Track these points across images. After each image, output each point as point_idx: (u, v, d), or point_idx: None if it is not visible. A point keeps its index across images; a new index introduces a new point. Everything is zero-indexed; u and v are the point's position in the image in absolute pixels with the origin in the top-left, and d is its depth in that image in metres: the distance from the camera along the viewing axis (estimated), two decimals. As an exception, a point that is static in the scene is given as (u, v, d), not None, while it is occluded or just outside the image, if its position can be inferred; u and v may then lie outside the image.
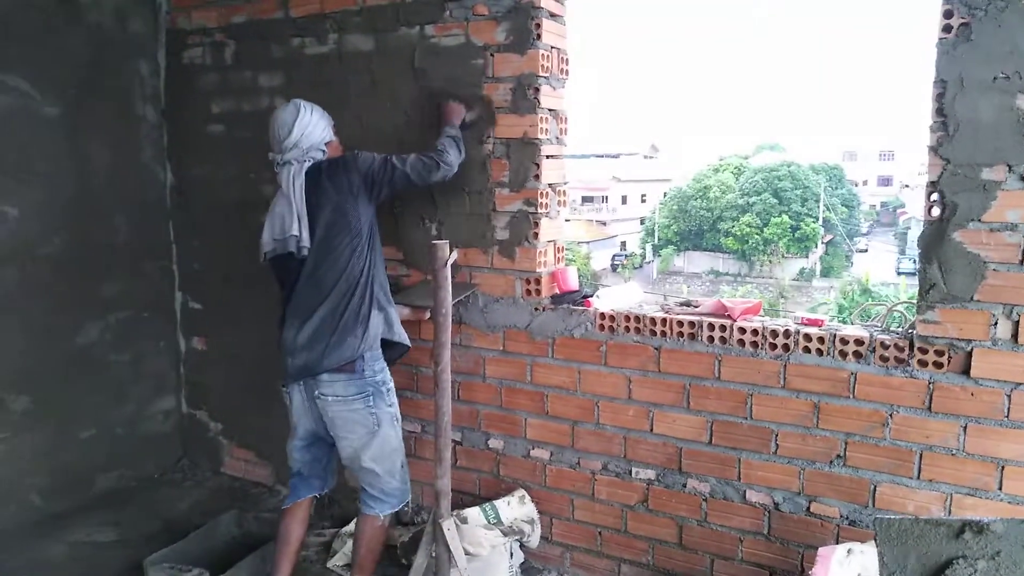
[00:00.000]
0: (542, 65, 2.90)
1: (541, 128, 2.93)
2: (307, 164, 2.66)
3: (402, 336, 2.77)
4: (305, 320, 2.62)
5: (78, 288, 3.68)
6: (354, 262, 2.62)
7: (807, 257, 42.38)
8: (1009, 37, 2.16)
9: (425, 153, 2.79)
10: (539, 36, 2.87)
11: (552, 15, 2.94)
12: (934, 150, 2.30)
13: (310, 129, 2.68)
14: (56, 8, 3.50)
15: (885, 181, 61.67)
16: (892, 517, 1.71)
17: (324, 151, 2.73)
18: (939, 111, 2.28)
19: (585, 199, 49.03)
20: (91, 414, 3.79)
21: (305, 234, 2.60)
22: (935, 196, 2.32)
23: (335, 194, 2.62)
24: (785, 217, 40.77)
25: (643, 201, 51.80)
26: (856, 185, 53.09)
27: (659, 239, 45.64)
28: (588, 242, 42.94)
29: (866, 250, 47.52)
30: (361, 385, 2.60)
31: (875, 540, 1.70)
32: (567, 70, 3.06)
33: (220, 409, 4.11)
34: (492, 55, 2.96)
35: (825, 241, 43.61)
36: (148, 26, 3.88)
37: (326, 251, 2.61)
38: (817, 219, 41.48)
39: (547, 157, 2.98)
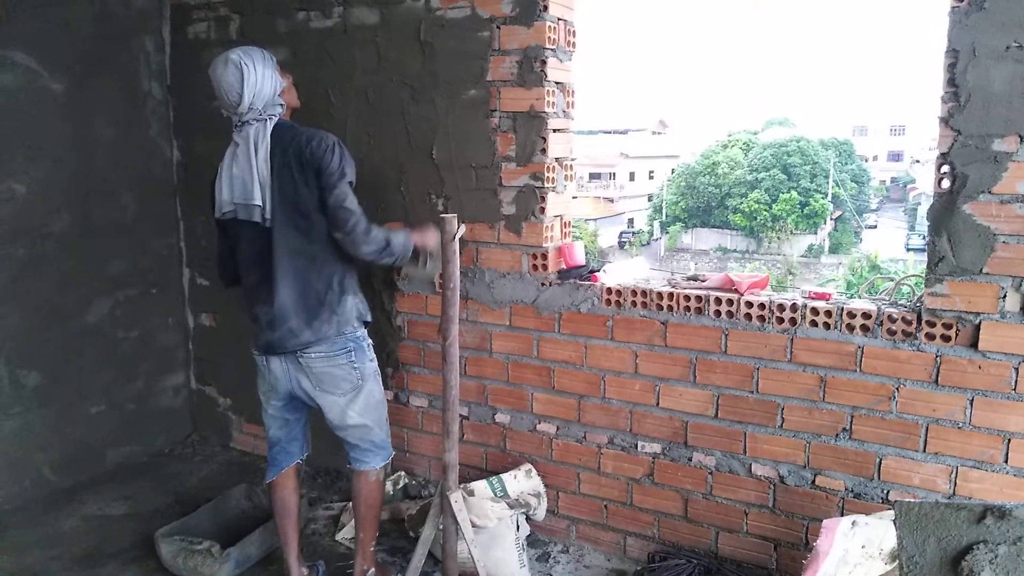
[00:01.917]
0: (549, 37, 2.87)
1: (548, 101, 2.91)
2: (270, 123, 2.50)
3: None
4: (267, 298, 2.54)
5: (86, 265, 3.69)
6: (317, 247, 2.53)
7: (816, 233, 42.16)
8: (1022, 5, 2.13)
9: (379, 228, 2.61)
10: (546, 7, 2.84)
11: (558, -14, 2.90)
12: (945, 121, 2.28)
13: (259, 86, 2.48)
14: (60, -17, 3.48)
15: (895, 156, 61.10)
16: (912, 501, 1.69)
17: (282, 103, 2.56)
18: (951, 81, 2.25)
19: (592, 176, 48.84)
20: (101, 390, 3.82)
21: (268, 205, 2.48)
22: (945, 168, 2.30)
23: (300, 175, 2.47)
24: (794, 193, 40.49)
25: (651, 178, 51.56)
26: (866, 160, 52.64)
27: (667, 216, 45.47)
28: (595, 219, 42.83)
29: (875, 226, 47.23)
30: (343, 342, 2.59)
31: (895, 524, 1.69)
32: (574, 42, 3.03)
33: (229, 385, 4.14)
34: (498, 27, 2.93)
35: (834, 217, 43.35)
36: (152, 1, 3.86)
37: (288, 228, 2.50)
38: (826, 195, 41.20)
39: (554, 131, 2.96)
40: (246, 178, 2.50)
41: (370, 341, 2.73)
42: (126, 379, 3.94)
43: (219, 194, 2.59)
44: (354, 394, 2.64)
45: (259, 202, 2.49)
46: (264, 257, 2.55)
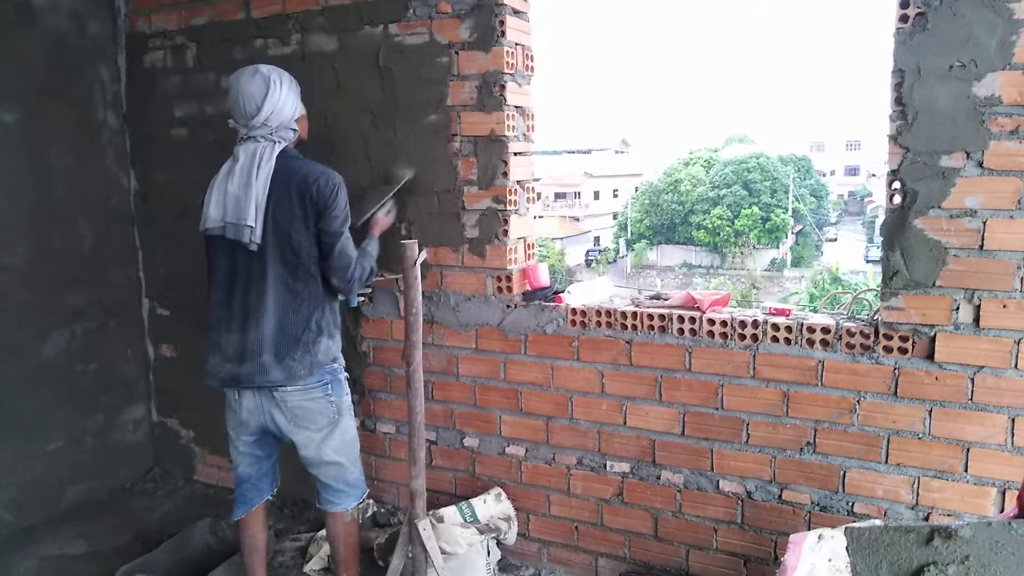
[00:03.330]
0: (507, 62, 2.90)
1: (508, 125, 2.93)
2: (277, 146, 2.47)
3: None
4: (241, 327, 2.49)
5: (43, 298, 3.61)
6: (301, 284, 2.50)
7: (778, 248, 42.89)
8: (964, 25, 2.20)
9: (365, 267, 2.64)
10: (503, 33, 2.87)
11: (516, 12, 2.93)
12: (894, 139, 2.34)
13: (280, 105, 2.48)
14: (11, 13, 3.42)
15: (852, 171, 62.46)
16: (863, 526, 1.75)
17: (295, 129, 2.57)
18: (898, 100, 2.31)
19: (558, 195, 49.15)
20: (59, 425, 3.72)
21: (259, 229, 2.42)
22: (896, 184, 2.35)
23: (300, 210, 2.45)
24: (755, 209, 41.19)
25: (615, 196, 52.08)
26: (824, 175, 53.75)
27: (632, 233, 45.92)
28: (562, 238, 43.08)
29: (835, 239, 48.18)
30: (320, 373, 2.55)
31: (847, 550, 1.73)
32: (532, 67, 3.06)
33: (191, 416, 4.06)
34: (457, 53, 2.95)
35: (795, 231, 44.15)
36: (107, 30, 3.82)
37: (276, 260, 2.47)
38: (787, 210, 41.97)
39: (515, 154, 2.98)
40: (241, 197, 2.42)
41: (346, 375, 2.70)
42: (85, 413, 3.84)
43: (206, 208, 2.52)
44: (330, 429, 2.59)
45: (251, 223, 2.41)
46: (244, 283, 2.49)
